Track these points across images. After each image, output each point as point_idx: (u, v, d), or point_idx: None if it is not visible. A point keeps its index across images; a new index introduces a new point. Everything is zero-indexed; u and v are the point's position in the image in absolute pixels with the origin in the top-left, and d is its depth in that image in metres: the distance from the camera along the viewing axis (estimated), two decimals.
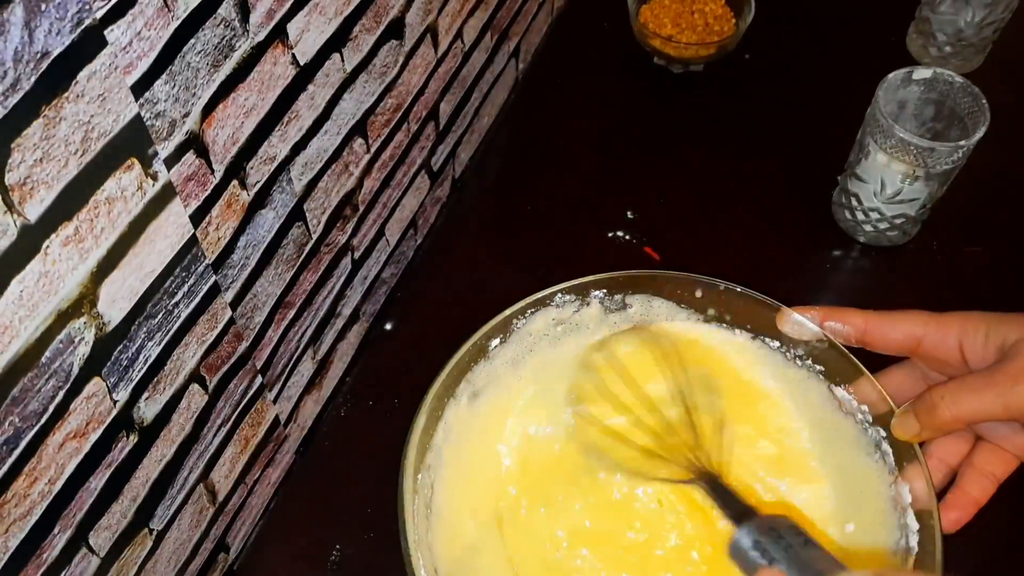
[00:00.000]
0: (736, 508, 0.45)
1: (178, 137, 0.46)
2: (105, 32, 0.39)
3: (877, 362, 0.52)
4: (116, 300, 0.45)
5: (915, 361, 0.53)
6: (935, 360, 0.51)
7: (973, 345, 0.49)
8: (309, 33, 0.54)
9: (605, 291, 0.55)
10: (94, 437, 0.46)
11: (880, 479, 0.51)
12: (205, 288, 0.52)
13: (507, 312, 0.53)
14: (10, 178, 0.36)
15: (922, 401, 0.48)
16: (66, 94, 0.38)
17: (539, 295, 0.54)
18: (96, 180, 0.41)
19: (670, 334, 0.56)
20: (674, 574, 0.50)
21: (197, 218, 0.49)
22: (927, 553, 0.46)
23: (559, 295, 0.55)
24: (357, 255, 0.71)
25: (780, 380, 0.55)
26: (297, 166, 0.58)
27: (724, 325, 0.56)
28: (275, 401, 0.65)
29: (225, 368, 0.57)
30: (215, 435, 0.58)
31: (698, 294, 0.55)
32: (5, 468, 0.41)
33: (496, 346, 0.54)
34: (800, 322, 0.53)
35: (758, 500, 0.52)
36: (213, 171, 0.49)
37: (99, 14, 0.38)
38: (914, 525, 0.48)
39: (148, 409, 0.50)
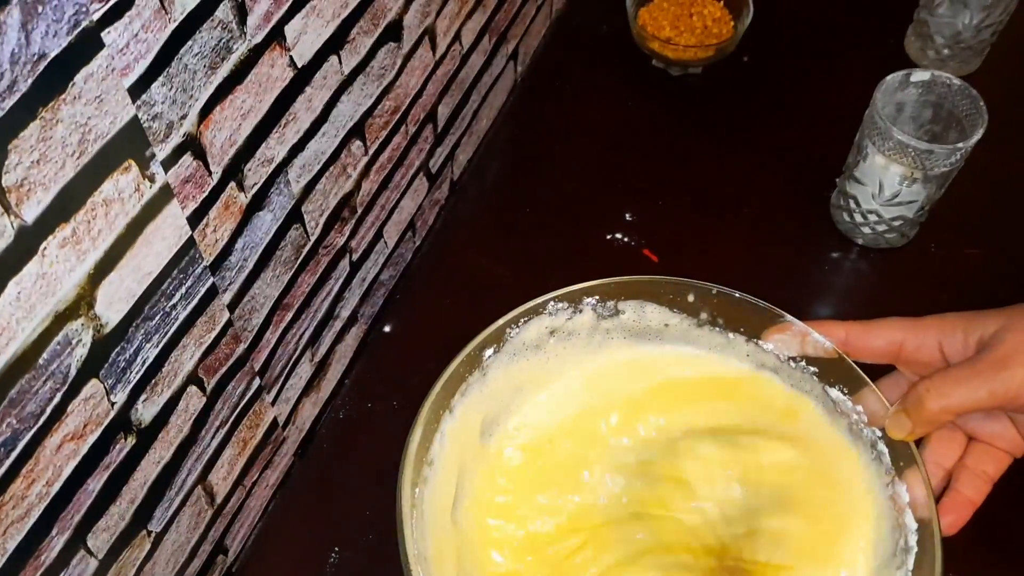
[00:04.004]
0: None
1: (175, 139, 0.46)
2: (102, 34, 0.39)
3: (866, 372, 0.53)
4: (114, 302, 0.45)
5: (901, 370, 0.53)
6: (918, 364, 0.51)
7: (952, 344, 0.49)
8: (307, 35, 0.54)
9: (597, 298, 0.55)
10: (92, 439, 0.46)
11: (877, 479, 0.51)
12: (203, 290, 0.52)
13: (500, 322, 0.53)
14: (7, 180, 0.36)
15: (909, 396, 0.48)
16: (63, 96, 0.38)
17: (532, 303, 0.54)
18: (93, 182, 0.41)
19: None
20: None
21: (195, 220, 0.49)
22: (926, 552, 0.46)
23: (552, 303, 0.54)
24: (355, 257, 0.71)
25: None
26: (295, 168, 0.58)
27: (718, 329, 0.56)
28: (273, 403, 0.65)
29: (223, 370, 0.57)
30: (213, 437, 0.58)
31: (691, 299, 0.55)
32: (2, 470, 0.41)
33: (490, 356, 0.54)
34: (783, 341, 0.54)
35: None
36: (211, 173, 0.50)
37: (96, 16, 0.38)
38: (912, 524, 0.48)
39: (146, 411, 0.50)
